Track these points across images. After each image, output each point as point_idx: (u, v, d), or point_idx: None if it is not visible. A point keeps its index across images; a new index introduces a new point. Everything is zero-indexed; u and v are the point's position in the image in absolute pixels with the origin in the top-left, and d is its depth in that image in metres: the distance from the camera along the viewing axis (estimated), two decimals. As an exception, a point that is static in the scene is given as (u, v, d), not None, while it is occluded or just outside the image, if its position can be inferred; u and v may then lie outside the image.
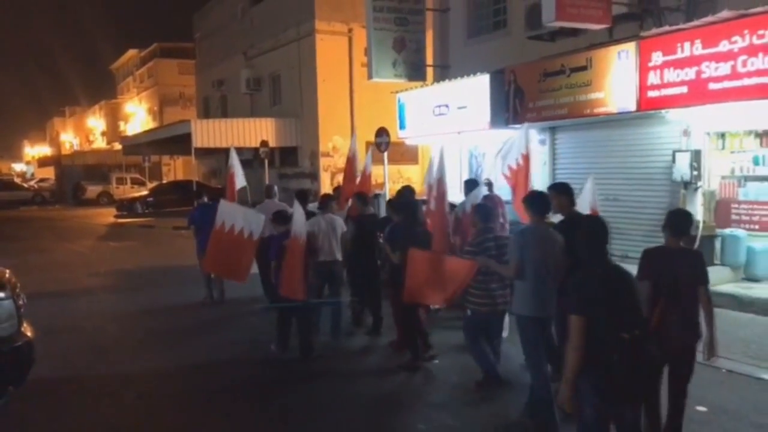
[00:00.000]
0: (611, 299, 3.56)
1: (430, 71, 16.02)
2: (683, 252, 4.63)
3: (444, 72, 15.67)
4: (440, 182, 6.86)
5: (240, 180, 10.30)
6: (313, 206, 8.85)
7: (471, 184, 8.17)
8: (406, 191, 8.20)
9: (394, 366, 6.92)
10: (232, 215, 8.05)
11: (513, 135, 8.33)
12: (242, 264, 7.93)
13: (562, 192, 5.76)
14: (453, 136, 14.44)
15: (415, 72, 15.31)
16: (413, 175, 23.88)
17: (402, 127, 16.04)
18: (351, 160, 10.80)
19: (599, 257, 3.72)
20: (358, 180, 10.30)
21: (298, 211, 7.16)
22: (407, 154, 22.03)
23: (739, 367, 6.60)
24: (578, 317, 3.54)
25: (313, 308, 7.63)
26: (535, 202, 5.38)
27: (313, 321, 7.80)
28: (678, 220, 4.62)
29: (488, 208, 6.25)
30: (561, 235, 5.25)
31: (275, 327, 7.50)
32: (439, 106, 14.47)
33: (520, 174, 7.76)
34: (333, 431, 5.54)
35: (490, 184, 8.13)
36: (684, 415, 4.63)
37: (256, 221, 7.93)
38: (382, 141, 15.37)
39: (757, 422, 5.26)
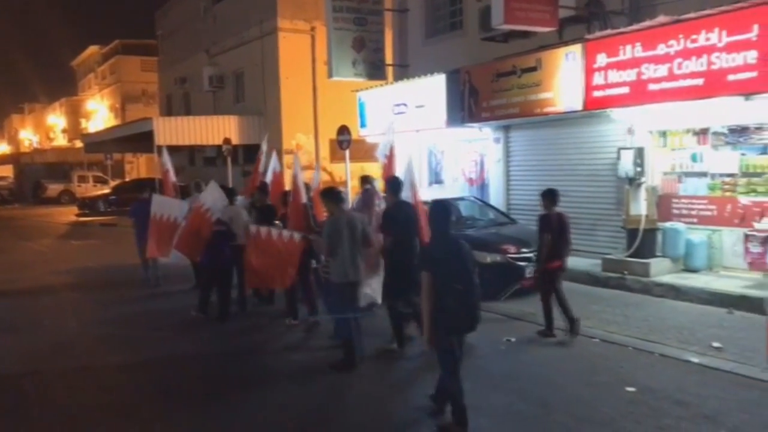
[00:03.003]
0: (447, 261, 4.98)
1: (389, 70, 16.33)
2: (559, 214, 7.78)
3: (403, 71, 16.01)
4: (296, 178, 8.64)
5: (172, 176, 12.12)
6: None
7: (365, 180, 9.69)
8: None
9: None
10: (161, 206, 10.42)
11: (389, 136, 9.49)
12: (170, 243, 9.94)
13: (392, 187, 7.58)
14: (412, 134, 14.78)
15: (375, 71, 15.60)
16: (377, 172, 24.17)
17: (363, 125, 16.33)
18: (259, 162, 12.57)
19: (443, 231, 5.15)
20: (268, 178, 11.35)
21: (211, 187, 9.32)
22: (370, 152, 22.25)
23: (671, 351, 7.08)
24: (425, 273, 5.00)
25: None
26: (328, 196, 7.04)
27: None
28: (554, 195, 7.78)
29: (339, 196, 7.22)
30: (390, 216, 7.30)
31: (198, 292, 9.22)
32: (398, 105, 14.80)
33: (386, 167, 8.96)
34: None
35: (370, 181, 9.33)
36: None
37: (180, 209, 10.25)
38: (343, 139, 15.66)
39: (679, 399, 5.70)
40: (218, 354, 7.67)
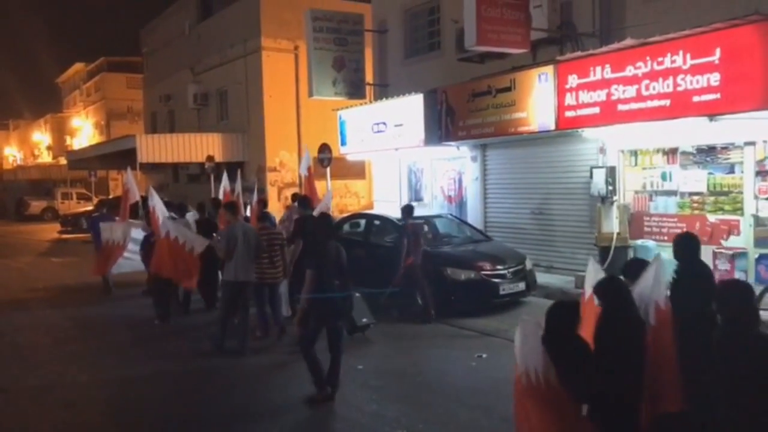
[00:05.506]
0: (328, 259, 6.22)
1: (369, 90, 16.53)
2: (413, 224, 9.93)
3: (382, 91, 16.20)
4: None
5: (134, 196, 13.17)
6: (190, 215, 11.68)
7: (293, 198, 11.65)
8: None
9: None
10: (109, 232, 11.96)
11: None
12: (111, 261, 12.02)
13: (300, 203, 9.67)
14: (391, 152, 14.94)
15: (355, 90, 15.80)
16: (360, 190, 24.31)
17: (343, 143, 16.48)
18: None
19: (326, 238, 6.41)
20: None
21: (153, 198, 10.12)
22: (353, 170, 22.44)
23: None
24: (310, 271, 6.22)
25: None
26: (225, 208, 8.60)
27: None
28: (411, 209, 10.11)
29: (266, 214, 9.69)
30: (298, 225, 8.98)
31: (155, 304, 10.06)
32: (378, 124, 14.97)
33: (306, 185, 11.30)
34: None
35: (296, 199, 11.08)
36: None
37: (123, 233, 11.84)
38: (324, 157, 15.80)
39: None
40: (181, 373, 7.70)
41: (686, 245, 4.90)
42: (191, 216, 11.40)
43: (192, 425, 6.07)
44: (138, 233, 11.59)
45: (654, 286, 4.14)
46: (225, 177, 13.01)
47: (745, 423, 3.43)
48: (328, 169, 15.79)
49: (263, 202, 11.97)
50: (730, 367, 3.45)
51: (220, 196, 12.66)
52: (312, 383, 6.41)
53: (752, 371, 3.38)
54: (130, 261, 11.99)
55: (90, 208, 30.89)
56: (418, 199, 16.06)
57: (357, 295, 8.49)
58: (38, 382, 7.28)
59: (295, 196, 11.31)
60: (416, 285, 9.64)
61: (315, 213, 9.45)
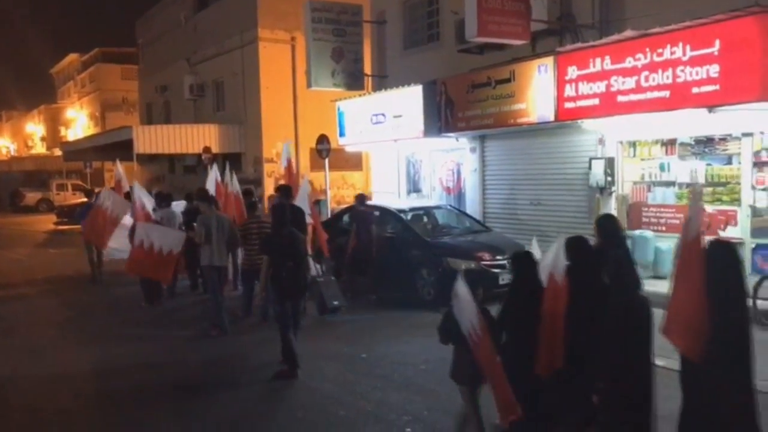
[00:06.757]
0: (282, 245, 6.83)
1: (368, 81, 16.52)
2: (363, 212, 10.90)
3: (381, 82, 16.19)
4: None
5: (125, 186, 12.98)
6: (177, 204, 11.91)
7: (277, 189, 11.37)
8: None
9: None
10: (108, 199, 11.47)
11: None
12: (104, 236, 11.40)
13: (282, 193, 9.68)
14: (390, 143, 14.97)
15: (353, 81, 15.79)
16: (357, 181, 24.34)
17: (342, 134, 16.49)
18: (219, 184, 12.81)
19: (280, 225, 6.98)
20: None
21: (135, 194, 10.97)
22: (351, 161, 22.47)
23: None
24: (265, 256, 6.96)
25: None
26: (201, 198, 9.13)
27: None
28: (364, 197, 11.40)
29: (254, 203, 10.09)
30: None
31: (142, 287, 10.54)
32: (377, 115, 14.97)
33: (287, 174, 11.65)
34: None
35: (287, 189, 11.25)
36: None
37: (122, 208, 11.45)
38: (323, 148, 15.86)
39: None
40: (185, 361, 7.78)
41: (603, 226, 5.54)
42: (177, 206, 11.62)
43: (199, 413, 6.13)
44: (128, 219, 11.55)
45: (555, 262, 4.72)
46: (215, 168, 13.02)
47: (626, 366, 4.27)
48: (327, 161, 15.85)
49: (250, 193, 11.83)
50: (616, 322, 4.23)
51: (210, 187, 12.40)
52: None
53: (632, 324, 4.22)
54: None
55: (85, 199, 30.82)
56: (417, 190, 16.12)
57: (332, 279, 9.78)
58: (45, 371, 7.33)
59: (278, 188, 11.56)
60: (362, 269, 10.54)
61: (297, 203, 10.03)
